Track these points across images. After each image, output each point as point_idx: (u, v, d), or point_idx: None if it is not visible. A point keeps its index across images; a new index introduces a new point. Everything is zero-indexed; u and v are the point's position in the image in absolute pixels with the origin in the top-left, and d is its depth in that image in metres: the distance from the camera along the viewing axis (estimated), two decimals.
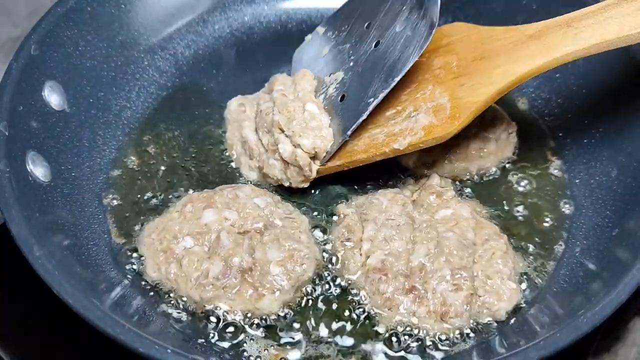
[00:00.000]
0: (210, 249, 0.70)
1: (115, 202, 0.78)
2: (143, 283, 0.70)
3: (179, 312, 0.68)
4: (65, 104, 0.78)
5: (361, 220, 0.74)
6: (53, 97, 0.77)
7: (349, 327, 0.68)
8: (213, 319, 0.68)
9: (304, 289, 0.70)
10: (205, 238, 0.71)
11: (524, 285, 0.71)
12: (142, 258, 0.71)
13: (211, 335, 0.67)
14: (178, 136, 0.85)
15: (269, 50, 0.95)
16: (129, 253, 0.73)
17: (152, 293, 0.69)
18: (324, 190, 0.80)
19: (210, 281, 0.68)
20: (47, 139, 0.75)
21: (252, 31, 0.97)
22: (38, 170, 0.71)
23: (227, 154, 0.83)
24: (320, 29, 0.87)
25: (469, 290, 0.67)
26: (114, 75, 0.86)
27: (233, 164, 0.82)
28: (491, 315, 0.68)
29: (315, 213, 0.77)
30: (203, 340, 0.66)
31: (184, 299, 0.69)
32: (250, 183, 0.80)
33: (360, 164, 0.77)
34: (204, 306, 0.68)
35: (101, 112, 0.83)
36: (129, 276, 0.71)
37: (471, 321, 0.68)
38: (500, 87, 0.71)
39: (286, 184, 0.77)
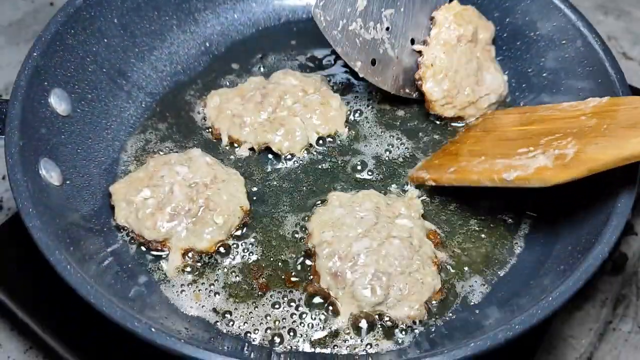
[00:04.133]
0: (164, 198, 0.79)
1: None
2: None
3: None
4: (70, 109, 0.83)
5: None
6: (59, 103, 0.81)
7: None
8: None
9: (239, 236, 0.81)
10: (160, 190, 0.79)
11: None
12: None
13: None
14: (175, 133, 0.91)
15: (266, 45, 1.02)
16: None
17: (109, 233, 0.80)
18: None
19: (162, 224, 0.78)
20: (56, 144, 0.80)
21: (244, 28, 1.04)
22: (50, 174, 0.76)
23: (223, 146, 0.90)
24: None
25: (379, 297, 0.73)
26: (113, 78, 0.91)
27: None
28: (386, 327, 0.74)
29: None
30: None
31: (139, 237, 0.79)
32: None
33: (469, 184, 0.79)
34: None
35: (103, 115, 0.88)
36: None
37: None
38: (625, 155, 0.68)
39: None
